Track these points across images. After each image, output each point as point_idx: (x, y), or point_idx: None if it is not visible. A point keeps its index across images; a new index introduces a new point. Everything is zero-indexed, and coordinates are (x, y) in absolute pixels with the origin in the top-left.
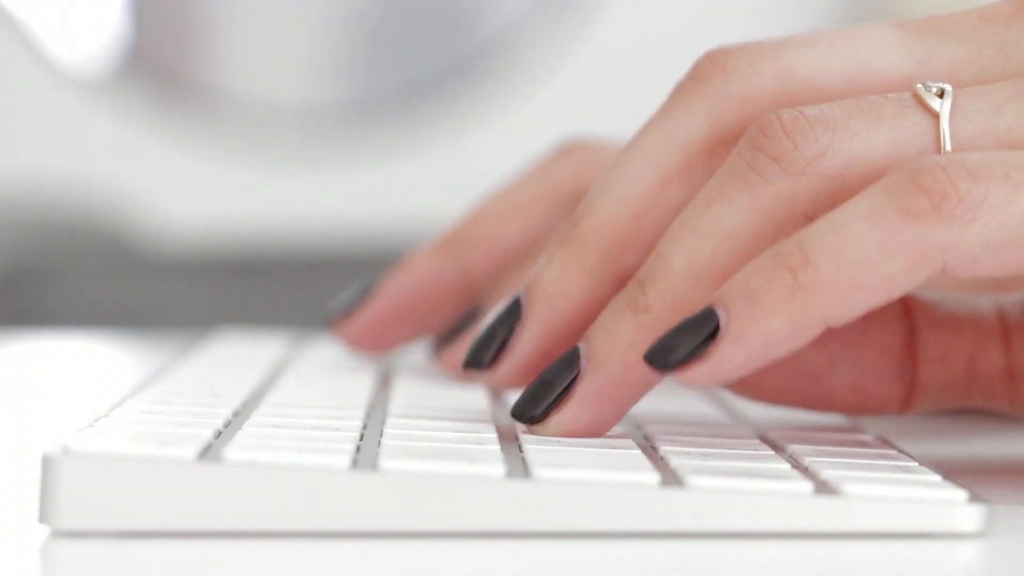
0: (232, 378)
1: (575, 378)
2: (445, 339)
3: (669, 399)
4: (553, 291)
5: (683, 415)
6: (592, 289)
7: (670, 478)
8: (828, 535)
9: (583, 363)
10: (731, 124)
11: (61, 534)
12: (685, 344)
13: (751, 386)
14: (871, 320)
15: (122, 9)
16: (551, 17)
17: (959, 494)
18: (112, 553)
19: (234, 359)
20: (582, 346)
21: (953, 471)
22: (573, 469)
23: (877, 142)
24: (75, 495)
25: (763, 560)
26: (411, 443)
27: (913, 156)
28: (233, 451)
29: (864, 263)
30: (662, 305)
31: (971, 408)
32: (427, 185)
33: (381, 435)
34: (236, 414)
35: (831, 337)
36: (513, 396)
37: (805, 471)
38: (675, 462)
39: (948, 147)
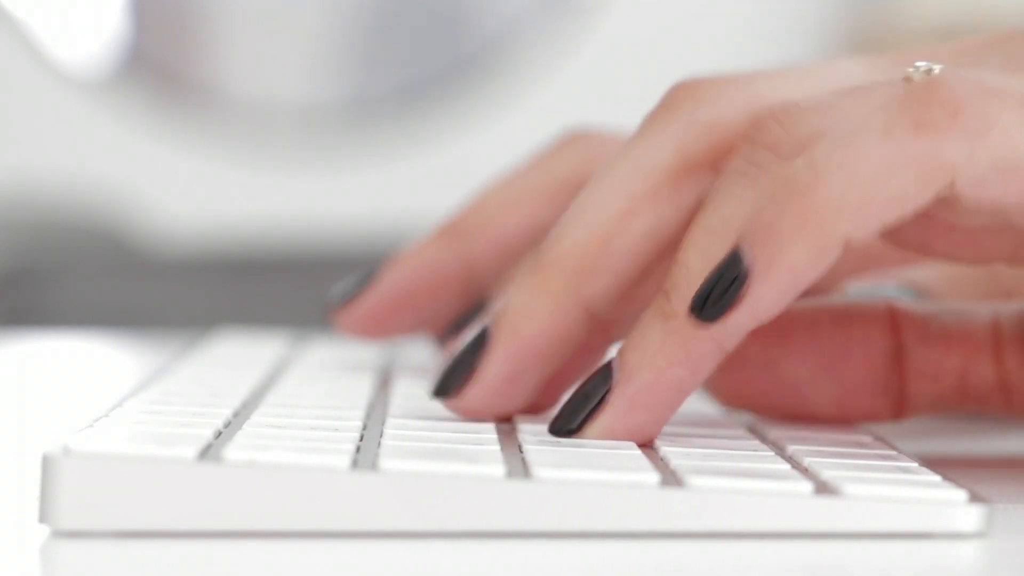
0: (232, 378)
1: (609, 390)
2: (450, 332)
3: None
4: (519, 318)
5: (683, 415)
6: (558, 315)
7: (670, 478)
8: (828, 535)
9: (616, 374)
10: (699, 150)
11: (61, 534)
12: (719, 292)
13: (734, 395)
14: (854, 337)
15: (122, 9)
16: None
17: (959, 494)
18: (112, 553)
19: (234, 359)
20: (615, 359)
21: (953, 471)
22: (573, 469)
23: None
24: (75, 495)
25: (763, 560)
26: (411, 443)
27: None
28: (233, 451)
29: (875, 178)
30: (680, 307)
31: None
32: (427, 185)
33: (381, 435)
34: (236, 414)
35: (810, 352)
36: None
37: (805, 471)
38: (675, 462)
39: None
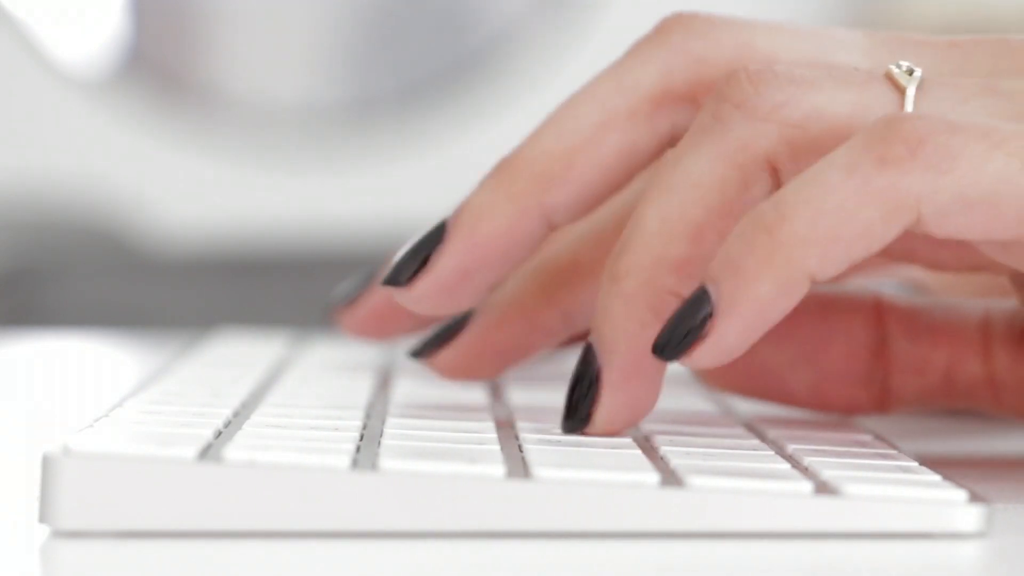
0: (232, 378)
1: (599, 372)
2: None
3: (669, 399)
4: (478, 215)
5: (683, 415)
6: (515, 216)
7: (670, 478)
8: (828, 535)
9: (597, 352)
10: (682, 80)
11: (61, 534)
12: (684, 328)
13: (712, 374)
14: (835, 327)
15: (122, 9)
16: (551, 17)
17: (959, 494)
18: (112, 553)
19: (234, 359)
20: (592, 338)
21: (953, 471)
22: (573, 469)
23: (841, 101)
24: (75, 495)
25: (763, 560)
26: (411, 443)
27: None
28: (233, 451)
29: (840, 213)
30: (640, 269)
31: (959, 409)
32: (427, 185)
33: (381, 435)
34: (236, 414)
35: (790, 339)
36: (515, 391)
37: (805, 471)
38: (675, 462)
39: None
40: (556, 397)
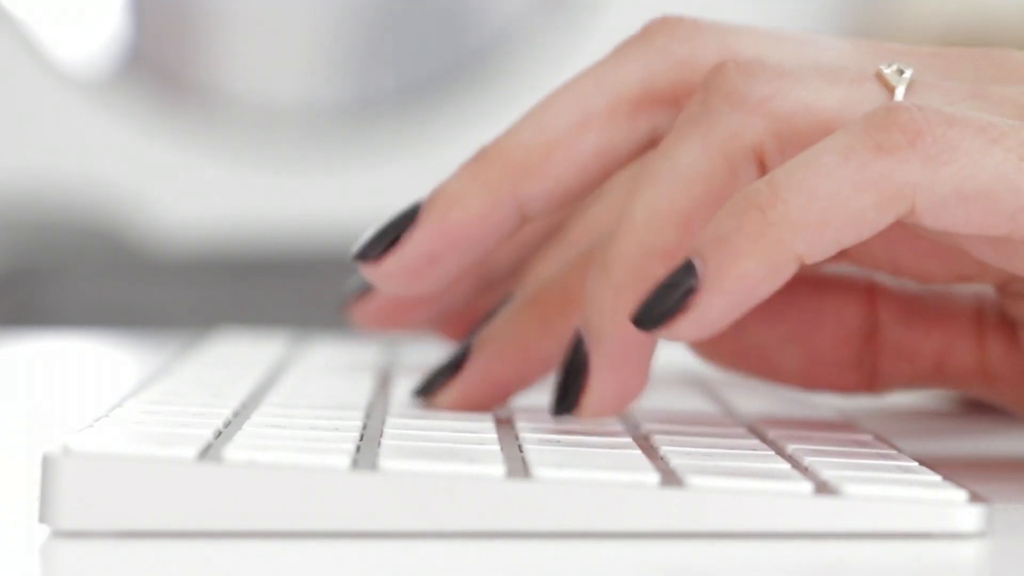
0: (232, 378)
1: (587, 358)
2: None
3: (669, 399)
4: (451, 201)
5: (683, 415)
6: (488, 205)
7: (670, 478)
8: (828, 535)
9: (585, 339)
10: (665, 82)
11: (61, 534)
12: (667, 300)
13: (703, 348)
14: (827, 308)
15: (122, 9)
16: (551, 17)
17: (959, 494)
18: (112, 553)
19: (234, 359)
20: (580, 325)
21: (953, 471)
22: (573, 469)
23: (830, 96)
24: (75, 495)
25: (763, 560)
26: (411, 443)
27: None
28: (233, 451)
29: (834, 198)
30: (628, 257)
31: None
32: (427, 185)
33: (381, 435)
34: (236, 414)
35: (779, 318)
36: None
37: (805, 471)
38: (675, 462)
39: None
40: None
